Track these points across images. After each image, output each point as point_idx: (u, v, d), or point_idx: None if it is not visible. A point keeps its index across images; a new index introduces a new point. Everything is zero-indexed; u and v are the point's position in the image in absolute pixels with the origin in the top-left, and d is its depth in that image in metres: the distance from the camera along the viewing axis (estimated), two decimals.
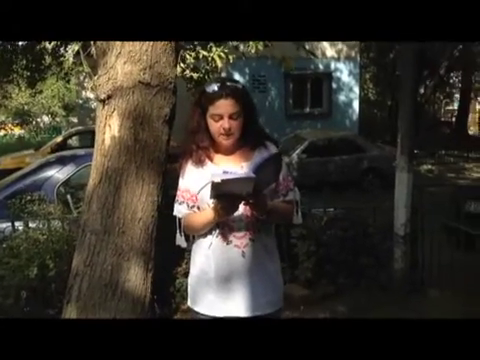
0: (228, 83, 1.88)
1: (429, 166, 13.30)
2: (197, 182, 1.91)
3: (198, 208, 1.93)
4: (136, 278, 2.70)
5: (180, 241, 2.03)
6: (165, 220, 3.07)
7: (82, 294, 2.66)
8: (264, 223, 1.92)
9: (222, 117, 1.85)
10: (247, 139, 1.95)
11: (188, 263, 3.77)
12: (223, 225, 1.87)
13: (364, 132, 13.86)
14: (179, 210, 1.98)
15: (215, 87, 1.85)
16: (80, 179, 4.36)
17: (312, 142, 10.06)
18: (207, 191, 1.84)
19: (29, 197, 4.10)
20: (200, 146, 1.93)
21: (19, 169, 6.08)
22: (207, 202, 1.86)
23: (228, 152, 1.94)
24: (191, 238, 2.06)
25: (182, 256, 3.82)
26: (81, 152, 5.15)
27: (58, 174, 4.55)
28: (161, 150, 2.79)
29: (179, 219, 1.99)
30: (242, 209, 1.84)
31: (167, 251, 3.44)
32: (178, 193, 1.99)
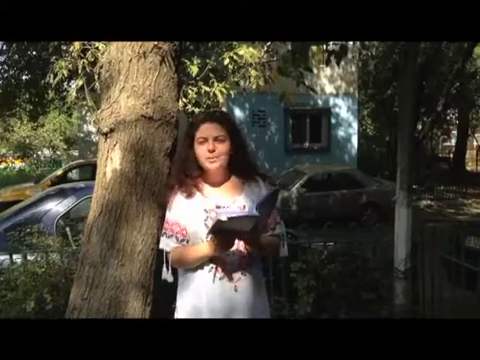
0: (213, 110, 1.98)
1: (428, 201, 13.32)
2: (187, 215, 1.91)
3: (187, 242, 1.92)
4: (134, 312, 2.67)
5: (167, 276, 2.01)
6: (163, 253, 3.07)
7: None
8: (255, 258, 1.94)
9: (207, 139, 1.89)
10: (237, 171, 1.97)
11: None
12: (216, 260, 1.86)
13: (363, 167, 13.94)
14: (167, 243, 1.96)
15: (202, 114, 1.98)
16: (80, 212, 4.37)
17: (311, 176, 10.12)
18: (199, 225, 1.86)
19: (28, 229, 4.09)
20: (189, 175, 1.95)
21: (19, 202, 6.09)
22: (200, 237, 1.87)
23: (218, 183, 1.96)
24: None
25: None
26: (81, 185, 5.17)
27: (58, 207, 4.55)
28: (162, 183, 2.80)
29: (166, 253, 1.98)
30: (236, 244, 1.85)
31: (166, 285, 3.41)
32: (166, 226, 1.99)
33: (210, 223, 1.83)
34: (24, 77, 12.78)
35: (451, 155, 23.48)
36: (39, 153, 27.33)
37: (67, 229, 4.14)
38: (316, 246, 4.15)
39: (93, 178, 2.91)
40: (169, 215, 1.99)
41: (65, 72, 3.25)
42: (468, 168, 22.64)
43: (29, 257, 3.71)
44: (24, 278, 3.49)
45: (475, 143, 27.38)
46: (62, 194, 4.81)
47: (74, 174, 13.45)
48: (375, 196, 10.11)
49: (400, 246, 3.95)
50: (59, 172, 11.48)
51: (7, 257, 3.70)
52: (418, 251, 4.02)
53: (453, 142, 27.05)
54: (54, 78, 3.51)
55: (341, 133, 15.07)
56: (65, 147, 26.29)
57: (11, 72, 12.81)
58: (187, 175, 1.95)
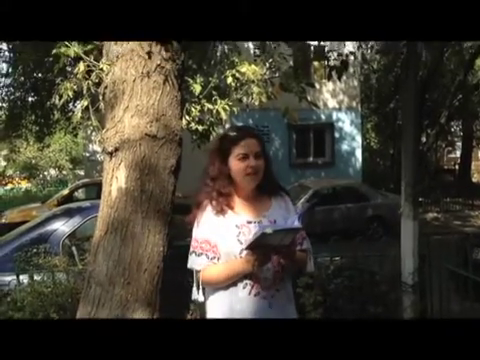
0: (246, 126, 1.96)
1: (435, 214, 13.26)
2: (218, 232, 1.86)
3: (218, 259, 1.86)
4: None
5: (197, 296, 1.94)
6: (169, 271, 3.07)
7: None
8: (287, 272, 1.91)
9: (248, 156, 1.85)
10: (264, 188, 1.95)
11: (193, 314, 3.74)
12: (251, 276, 1.82)
13: (367, 180, 13.93)
14: (197, 262, 1.89)
15: (237, 129, 1.91)
16: (86, 231, 4.38)
17: (317, 191, 10.11)
18: (232, 241, 1.83)
19: (35, 250, 4.10)
20: (222, 193, 1.89)
21: (25, 222, 6.12)
22: (233, 253, 1.83)
23: (248, 201, 1.93)
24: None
25: (187, 308, 3.76)
26: (87, 204, 5.19)
27: (64, 227, 4.57)
28: (167, 200, 2.82)
29: (196, 272, 1.92)
30: (271, 259, 1.82)
31: (172, 302, 3.40)
32: (194, 244, 1.91)
33: (243, 239, 1.80)
34: (30, 99, 12.94)
35: (456, 167, 23.42)
36: (45, 173, 27.49)
37: (73, 249, 4.15)
38: (322, 260, 4.13)
39: (99, 197, 2.93)
40: (197, 233, 1.91)
41: (70, 93, 3.29)
42: (474, 180, 22.56)
43: (36, 277, 3.72)
44: (31, 298, 3.49)
45: None
46: (68, 214, 4.83)
47: (80, 193, 13.51)
48: (380, 209, 10.08)
49: (407, 259, 3.93)
50: (65, 192, 11.54)
51: (13, 278, 3.71)
52: (425, 264, 4.00)
53: (458, 154, 27.00)
54: (60, 99, 3.54)
55: (345, 147, 15.10)
56: (71, 167, 26.45)
57: (17, 94, 12.97)
58: (220, 192, 1.90)
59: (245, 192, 1.92)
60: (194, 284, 1.95)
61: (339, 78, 4.17)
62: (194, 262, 1.91)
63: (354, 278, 3.93)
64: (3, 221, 10.27)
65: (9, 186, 23.68)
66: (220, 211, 1.88)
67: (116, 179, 2.75)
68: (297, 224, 1.72)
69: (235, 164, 1.87)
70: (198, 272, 1.92)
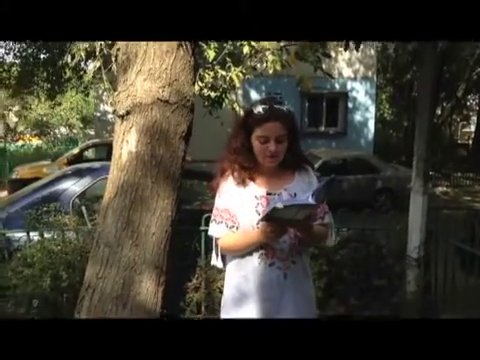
0: (276, 106, 1.86)
1: (445, 188, 13.19)
2: (237, 201, 1.89)
3: (237, 228, 1.90)
4: (147, 292, 2.72)
5: (216, 262, 2.00)
6: (178, 235, 3.10)
7: (93, 306, 2.69)
8: (304, 246, 1.93)
9: (268, 140, 1.84)
10: (288, 162, 1.94)
11: (199, 278, 3.81)
12: (266, 246, 1.85)
13: (379, 152, 13.82)
14: (216, 230, 1.93)
15: (262, 109, 1.84)
16: (96, 192, 4.42)
17: (326, 161, 10.06)
18: (250, 211, 1.85)
19: (45, 208, 4.16)
20: (243, 166, 1.90)
21: (36, 179, 6.19)
22: (251, 224, 1.85)
23: (270, 173, 1.93)
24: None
25: (193, 271, 3.83)
26: (97, 165, 5.22)
27: (74, 186, 4.61)
28: (177, 166, 2.83)
29: (215, 239, 1.96)
30: (287, 231, 1.83)
31: (179, 266, 3.46)
32: (215, 212, 1.95)
33: (261, 210, 1.82)
34: (42, 56, 12.84)
35: (470, 141, 23.10)
36: (56, 131, 27.58)
37: (83, 208, 4.20)
38: None
39: (109, 158, 2.94)
40: (219, 201, 1.94)
41: (83, 53, 3.26)
42: None
43: (46, 235, 3.78)
44: (41, 255, 3.56)
45: None
46: (79, 174, 4.87)
47: (90, 153, 13.58)
48: (390, 182, 10.03)
49: (414, 233, 3.93)
50: (75, 151, 11.59)
51: (24, 235, 3.78)
52: (432, 238, 4.00)
53: (472, 128, 26.58)
54: (72, 59, 3.51)
55: (358, 117, 14.91)
56: (81, 126, 26.48)
57: (29, 50, 12.88)
58: (241, 165, 1.91)
59: (268, 168, 1.92)
60: (214, 251, 1.99)
61: (357, 48, 4.06)
62: (214, 230, 1.95)
63: (360, 250, 3.95)
64: (14, 177, 10.40)
65: (20, 142, 23.81)
66: (241, 182, 1.90)
67: (127, 143, 2.76)
68: (311, 201, 1.70)
69: (256, 145, 1.87)
70: (217, 239, 1.96)
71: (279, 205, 1.66)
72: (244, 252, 1.88)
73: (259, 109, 1.85)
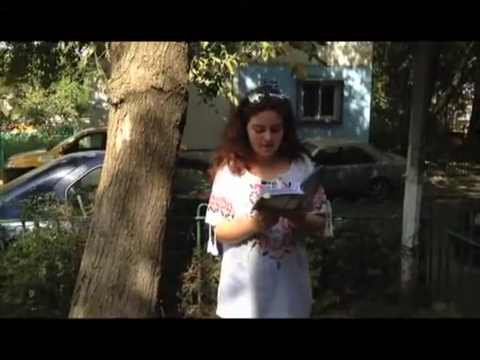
0: (272, 95, 1.85)
1: (440, 177, 13.23)
2: (233, 191, 1.89)
3: (232, 216, 1.91)
4: (143, 281, 2.72)
5: (212, 249, 2.02)
6: (173, 225, 3.09)
7: (89, 296, 2.68)
8: (299, 235, 1.93)
9: (264, 129, 1.83)
10: (284, 150, 1.93)
11: (194, 268, 3.81)
12: (260, 235, 1.86)
13: (375, 141, 13.81)
14: (212, 218, 1.95)
15: (258, 98, 1.83)
16: (91, 181, 4.40)
17: (322, 150, 10.05)
18: (244, 200, 1.85)
19: (40, 197, 4.14)
20: (239, 155, 1.91)
21: (31, 168, 6.15)
22: (245, 212, 1.85)
23: (265, 162, 1.93)
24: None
25: (189, 261, 3.83)
26: (92, 154, 5.19)
27: (69, 175, 4.59)
28: (171, 155, 2.81)
29: (211, 227, 1.98)
30: (280, 221, 1.84)
31: (174, 256, 3.46)
32: (212, 200, 1.96)
33: (255, 199, 1.81)
34: (35, 42, 12.68)
35: (465, 130, 23.14)
36: (51, 120, 27.39)
37: (78, 197, 4.18)
38: None
39: (104, 146, 2.92)
40: (215, 189, 1.95)
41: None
42: None
43: (41, 224, 3.77)
44: (36, 245, 3.55)
45: None
46: (73, 163, 4.84)
47: (85, 142, 13.50)
48: (386, 171, 10.04)
49: (408, 223, 3.95)
50: (71, 140, 11.53)
51: (19, 224, 3.77)
52: (426, 228, 4.01)
53: (468, 117, 26.60)
54: (65, 45, 3.47)
55: (353, 106, 14.87)
56: (76, 114, 26.29)
57: None
58: (237, 154, 1.91)
59: (263, 157, 1.92)
60: (209, 238, 2.01)
61: None
62: (210, 218, 1.97)
63: (354, 239, 3.97)
64: (9, 166, 10.35)
65: (15, 131, 23.65)
66: (237, 171, 1.91)
67: (121, 131, 2.73)
68: (299, 191, 1.70)
69: (252, 133, 1.87)
70: (213, 227, 1.97)
71: (266, 195, 1.66)
72: (239, 241, 1.89)
73: (255, 98, 1.84)
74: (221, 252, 2.03)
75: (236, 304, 1.92)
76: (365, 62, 14.82)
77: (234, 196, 1.89)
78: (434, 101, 17.67)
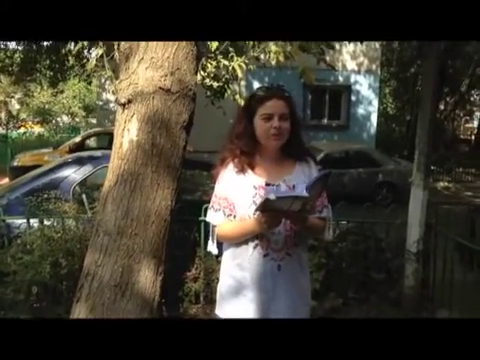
0: (277, 86, 1.90)
1: (446, 183, 13.17)
2: (236, 190, 1.89)
3: (234, 217, 1.90)
4: (146, 280, 2.73)
5: (212, 248, 2.01)
6: (178, 225, 3.11)
7: (92, 293, 2.70)
8: (300, 238, 1.92)
9: (272, 116, 1.84)
10: (290, 151, 1.93)
11: (198, 269, 3.82)
12: (261, 237, 1.85)
13: (381, 146, 13.78)
14: (214, 218, 1.94)
15: (266, 89, 1.87)
16: (96, 180, 4.42)
17: (328, 154, 10.04)
18: (247, 201, 1.85)
19: (46, 195, 4.16)
20: (244, 151, 1.90)
21: (37, 166, 6.18)
22: (247, 213, 1.85)
23: (270, 163, 1.92)
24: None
25: (192, 261, 3.84)
26: (98, 153, 5.21)
27: (75, 174, 4.62)
28: (177, 156, 2.82)
29: (212, 226, 1.97)
30: (282, 223, 1.83)
31: (178, 256, 3.47)
32: (214, 200, 1.95)
33: (258, 200, 1.81)
34: (45, 43, 12.76)
35: (472, 137, 23.03)
36: (58, 119, 27.56)
37: (83, 196, 4.20)
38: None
39: (110, 146, 2.93)
40: (218, 189, 1.94)
41: (85, 41, 3.24)
42: None
43: (46, 222, 3.79)
44: (40, 242, 3.57)
45: None
46: (79, 162, 4.87)
47: (92, 142, 13.56)
48: (392, 176, 10.01)
49: (413, 228, 3.93)
50: (77, 139, 11.57)
51: (24, 221, 3.79)
52: (431, 233, 4.00)
53: (475, 124, 26.48)
54: (75, 46, 3.49)
55: (361, 111, 14.85)
56: (84, 114, 26.46)
57: None
58: (243, 151, 1.90)
59: (269, 154, 1.91)
60: (210, 237, 2.00)
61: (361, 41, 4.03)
62: (211, 217, 1.96)
63: (359, 243, 3.96)
64: (15, 164, 10.40)
65: (22, 129, 23.80)
66: (241, 170, 1.89)
67: (128, 131, 2.75)
68: (304, 193, 1.70)
69: (259, 124, 1.86)
70: (214, 227, 1.96)
71: (272, 196, 1.66)
72: (239, 241, 1.89)
73: (261, 91, 1.88)
74: (221, 251, 2.03)
75: (235, 304, 1.92)
76: (373, 67, 14.80)
77: (237, 196, 1.89)
78: (442, 107, 17.62)
